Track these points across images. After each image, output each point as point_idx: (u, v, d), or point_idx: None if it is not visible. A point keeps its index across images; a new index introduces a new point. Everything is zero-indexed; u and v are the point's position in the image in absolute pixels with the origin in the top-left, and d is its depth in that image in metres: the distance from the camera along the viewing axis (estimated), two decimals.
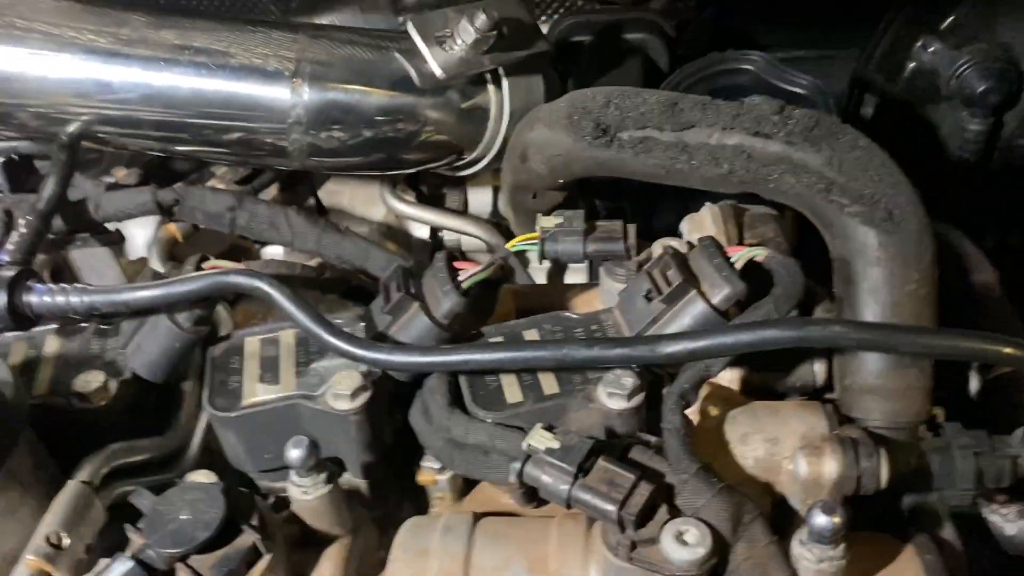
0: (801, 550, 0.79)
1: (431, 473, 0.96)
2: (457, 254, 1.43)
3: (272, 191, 1.44)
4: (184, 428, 1.03)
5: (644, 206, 1.36)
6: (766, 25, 1.69)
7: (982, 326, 1.10)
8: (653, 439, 0.87)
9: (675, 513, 0.80)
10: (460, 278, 0.98)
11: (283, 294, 0.95)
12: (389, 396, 0.97)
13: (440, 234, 1.54)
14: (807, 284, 0.96)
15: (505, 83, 1.25)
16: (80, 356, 1.02)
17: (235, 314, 1.12)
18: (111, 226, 1.29)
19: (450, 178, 1.46)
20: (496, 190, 1.52)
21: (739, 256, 0.96)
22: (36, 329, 1.04)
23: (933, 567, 0.84)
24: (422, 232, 1.54)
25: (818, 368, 0.99)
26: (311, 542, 0.91)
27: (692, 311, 0.92)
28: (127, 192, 1.23)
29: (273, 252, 1.37)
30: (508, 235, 1.39)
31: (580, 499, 0.80)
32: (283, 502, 0.95)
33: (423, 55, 1.19)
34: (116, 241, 1.30)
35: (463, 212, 1.52)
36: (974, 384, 1.08)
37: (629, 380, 0.88)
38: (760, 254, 0.97)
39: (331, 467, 0.89)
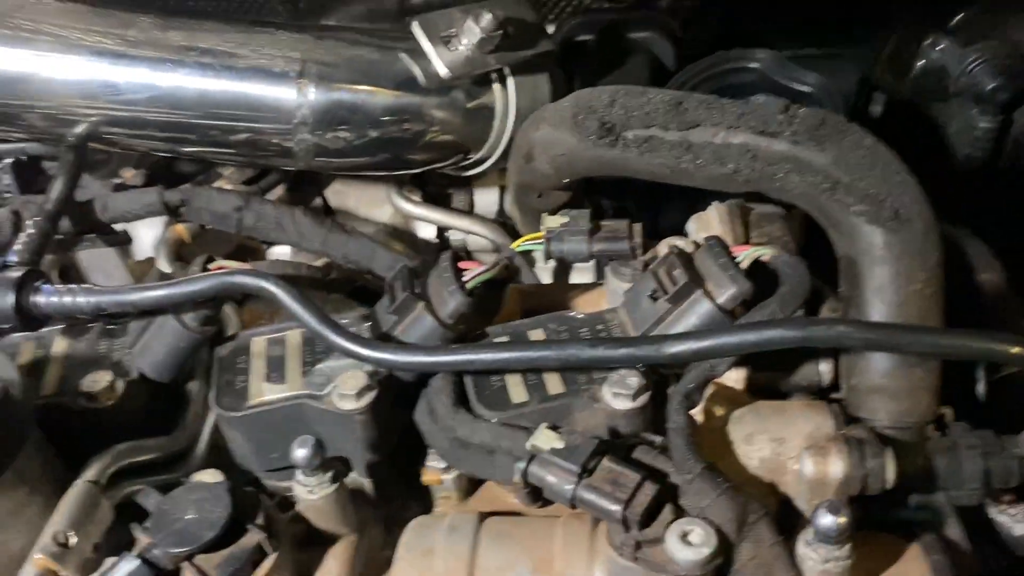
0: (806, 550, 0.79)
1: (436, 472, 0.96)
2: (463, 254, 1.44)
3: (278, 192, 1.44)
4: (191, 428, 1.03)
5: (650, 205, 1.36)
6: (773, 23, 1.68)
7: (990, 325, 1.10)
8: (658, 439, 0.87)
9: (680, 513, 0.80)
10: (465, 278, 0.98)
11: (289, 294, 0.95)
12: (395, 396, 0.97)
13: (447, 234, 1.54)
14: (813, 283, 0.95)
15: (511, 83, 1.25)
16: (87, 356, 1.02)
17: (242, 314, 1.13)
18: (118, 227, 1.30)
19: (456, 178, 1.46)
20: (502, 190, 1.52)
21: (745, 255, 0.95)
22: (44, 330, 1.05)
23: (940, 567, 0.83)
24: (428, 233, 1.54)
25: (824, 368, 0.99)
26: (317, 541, 0.91)
27: (698, 311, 0.92)
28: (134, 193, 1.23)
29: (279, 252, 1.37)
30: (515, 235, 1.39)
31: (584, 499, 0.80)
32: (289, 502, 0.95)
33: (428, 55, 1.19)
34: (123, 242, 1.31)
35: (469, 212, 1.52)
36: (981, 384, 1.07)
37: (634, 380, 0.88)
38: (766, 253, 0.96)
39: (337, 466, 0.90)
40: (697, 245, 1.00)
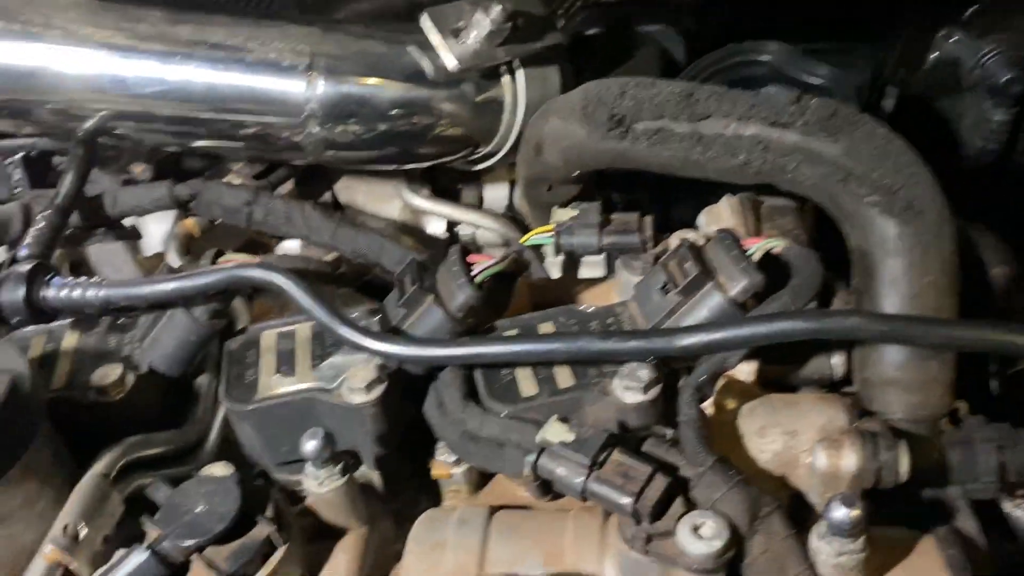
0: (820, 543, 0.78)
1: (446, 466, 0.96)
2: (472, 248, 1.43)
3: (288, 187, 1.44)
4: (201, 421, 1.03)
5: (660, 199, 1.35)
6: (785, 16, 1.67)
7: (1004, 320, 1.08)
8: (669, 432, 0.86)
9: (691, 506, 0.79)
10: (474, 271, 0.98)
11: (298, 287, 0.95)
12: (404, 389, 0.97)
13: (456, 229, 1.53)
14: (825, 276, 0.94)
15: (520, 75, 1.24)
16: (97, 350, 1.03)
17: (252, 308, 1.13)
18: (128, 222, 1.30)
19: (465, 174, 1.46)
20: (512, 185, 1.51)
21: (757, 248, 0.95)
22: (54, 324, 1.05)
23: (955, 562, 0.82)
24: (438, 228, 1.53)
25: (836, 361, 0.98)
26: (326, 534, 0.91)
27: (709, 303, 0.91)
28: (144, 187, 1.24)
29: (288, 247, 1.37)
30: (524, 229, 1.39)
31: (595, 492, 0.79)
32: (299, 495, 0.95)
33: (437, 47, 1.19)
34: (132, 236, 1.31)
35: (478, 207, 1.51)
36: (996, 377, 1.06)
37: (645, 373, 0.87)
38: (778, 245, 0.96)
39: (346, 459, 0.90)
40: (708, 238, 0.99)
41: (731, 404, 0.94)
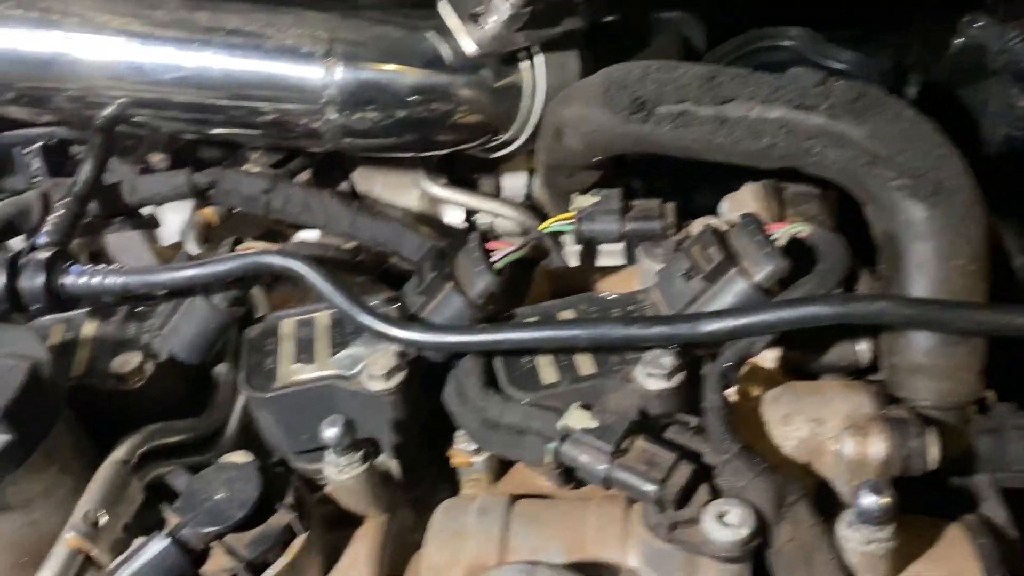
0: (847, 532, 0.77)
1: (466, 454, 0.95)
2: (491, 236, 1.42)
3: (305, 176, 1.44)
4: (221, 409, 1.03)
5: (682, 186, 1.34)
6: (805, 2, 1.65)
7: None
8: (693, 420, 0.85)
9: (716, 494, 0.78)
10: (494, 258, 0.97)
11: (318, 274, 0.95)
12: (423, 377, 0.96)
13: (474, 218, 1.52)
14: (851, 261, 0.93)
15: (539, 61, 1.23)
16: (116, 338, 1.02)
17: (271, 297, 1.13)
18: (146, 211, 1.30)
19: (483, 162, 1.45)
20: (530, 173, 1.50)
21: (782, 233, 0.93)
22: (73, 312, 1.05)
23: (986, 551, 0.81)
24: (455, 218, 1.52)
25: (863, 347, 0.96)
26: (346, 522, 0.90)
27: (734, 289, 0.90)
28: (162, 175, 1.23)
29: (305, 236, 1.37)
30: (543, 218, 1.38)
31: (618, 479, 0.78)
32: (318, 484, 0.95)
33: (456, 33, 1.18)
34: (151, 225, 1.31)
35: (497, 196, 1.50)
36: None
37: (668, 360, 0.86)
38: (803, 230, 0.94)
39: (367, 447, 0.89)
40: (731, 224, 0.98)
41: (755, 391, 0.92)
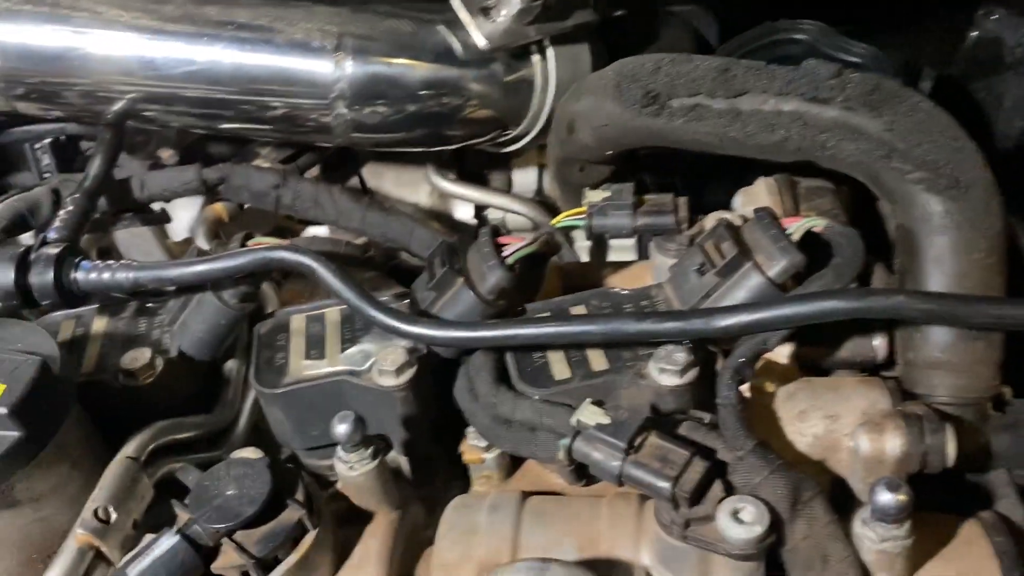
0: (863, 529, 0.76)
1: (477, 451, 0.95)
2: (502, 232, 1.42)
3: (315, 172, 1.43)
4: (231, 405, 1.03)
5: (694, 181, 1.33)
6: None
7: None
8: (707, 416, 0.84)
9: (730, 491, 0.77)
10: (505, 253, 0.96)
11: (328, 270, 0.94)
12: (434, 373, 0.96)
13: (485, 214, 1.52)
14: (867, 256, 0.92)
15: (551, 54, 1.23)
16: (127, 334, 1.02)
17: (281, 292, 1.12)
18: (156, 206, 1.30)
19: (494, 158, 1.44)
20: (541, 169, 1.50)
21: (796, 227, 0.92)
22: (83, 308, 1.05)
23: (1004, 549, 0.80)
24: (466, 213, 1.52)
25: (879, 342, 0.95)
26: (357, 519, 0.90)
27: (748, 284, 0.89)
28: (172, 171, 1.23)
29: (315, 231, 1.37)
30: (554, 213, 1.37)
31: (632, 475, 0.77)
32: (329, 480, 0.94)
33: (467, 26, 1.17)
34: (160, 220, 1.31)
35: (507, 191, 1.50)
36: None
37: (681, 355, 0.85)
38: (818, 224, 0.93)
39: (377, 443, 0.88)
40: (745, 219, 0.97)
41: (770, 387, 0.91)
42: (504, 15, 1.16)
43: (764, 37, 1.40)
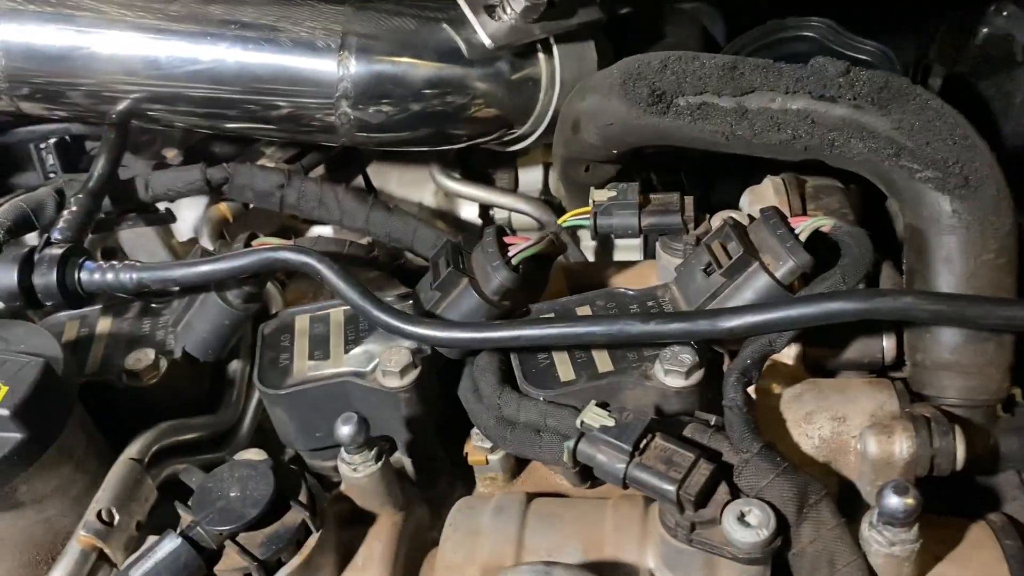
0: (871, 533, 0.75)
1: (482, 452, 0.94)
2: (508, 231, 1.41)
3: (320, 172, 1.43)
4: (235, 406, 1.03)
5: (701, 180, 1.32)
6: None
7: None
8: (713, 418, 0.84)
9: (736, 493, 0.76)
10: (510, 253, 0.95)
11: (332, 270, 0.94)
12: (438, 374, 0.95)
13: (491, 213, 1.51)
14: (876, 256, 0.91)
15: (556, 52, 1.22)
16: (131, 335, 1.02)
17: (285, 293, 1.12)
18: (161, 206, 1.29)
19: (499, 157, 1.44)
20: (547, 168, 1.49)
21: (804, 226, 0.91)
22: (88, 309, 1.05)
23: (1013, 552, 0.79)
24: (471, 212, 1.52)
25: (887, 343, 0.95)
26: (361, 520, 0.89)
27: (754, 284, 0.88)
28: (177, 171, 1.23)
29: (320, 231, 1.36)
30: (560, 213, 1.36)
31: (637, 478, 0.77)
32: (333, 481, 0.94)
33: (472, 25, 1.17)
34: (165, 221, 1.31)
35: (513, 190, 1.49)
36: None
37: (687, 356, 0.84)
38: (826, 224, 0.92)
39: (381, 445, 0.88)
40: (752, 218, 0.96)
41: (777, 389, 0.91)
42: (509, 14, 1.16)
43: (772, 34, 1.39)
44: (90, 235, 1.12)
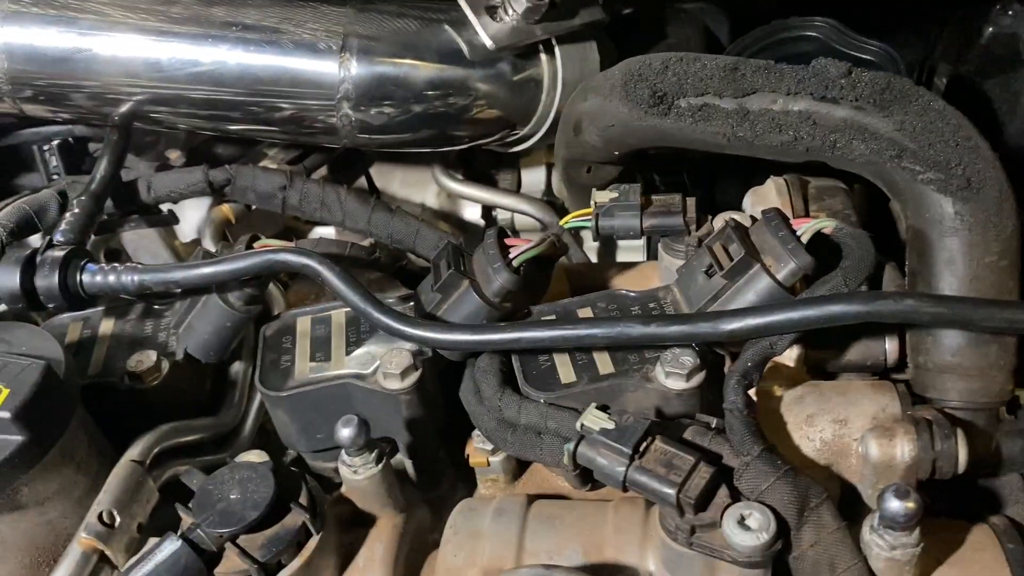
0: (872, 536, 0.75)
1: (483, 454, 0.94)
2: (510, 232, 1.41)
3: (322, 173, 1.43)
4: (237, 408, 1.03)
5: (703, 181, 1.31)
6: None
7: None
8: (714, 420, 0.83)
9: (737, 497, 0.76)
10: (511, 255, 0.95)
11: (333, 272, 0.94)
12: (439, 376, 0.95)
13: (493, 214, 1.51)
14: (878, 258, 0.90)
15: (558, 54, 1.22)
16: (133, 336, 1.03)
17: (287, 295, 1.12)
18: (163, 207, 1.30)
19: (502, 158, 1.43)
20: (549, 169, 1.49)
21: (806, 228, 0.91)
22: (90, 311, 1.05)
23: (1015, 555, 0.79)
24: (474, 214, 1.52)
25: (889, 346, 0.94)
26: (362, 522, 0.90)
27: (756, 286, 0.88)
28: (179, 172, 1.23)
29: (322, 232, 1.36)
30: (562, 214, 1.36)
31: (637, 481, 0.76)
32: (334, 483, 0.94)
33: (474, 26, 1.16)
34: (167, 222, 1.31)
35: (516, 191, 1.49)
36: None
37: (688, 359, 0.84)
38: (828, 226, 0.92)
39: (382, 447, 0.88)
40: (754, 219, 0.96)
41: (777, 391, 0.90)
42: (511, 15, 1.15)
43: (776, 34, 1.39)
44: (93, 237, 1.12)
